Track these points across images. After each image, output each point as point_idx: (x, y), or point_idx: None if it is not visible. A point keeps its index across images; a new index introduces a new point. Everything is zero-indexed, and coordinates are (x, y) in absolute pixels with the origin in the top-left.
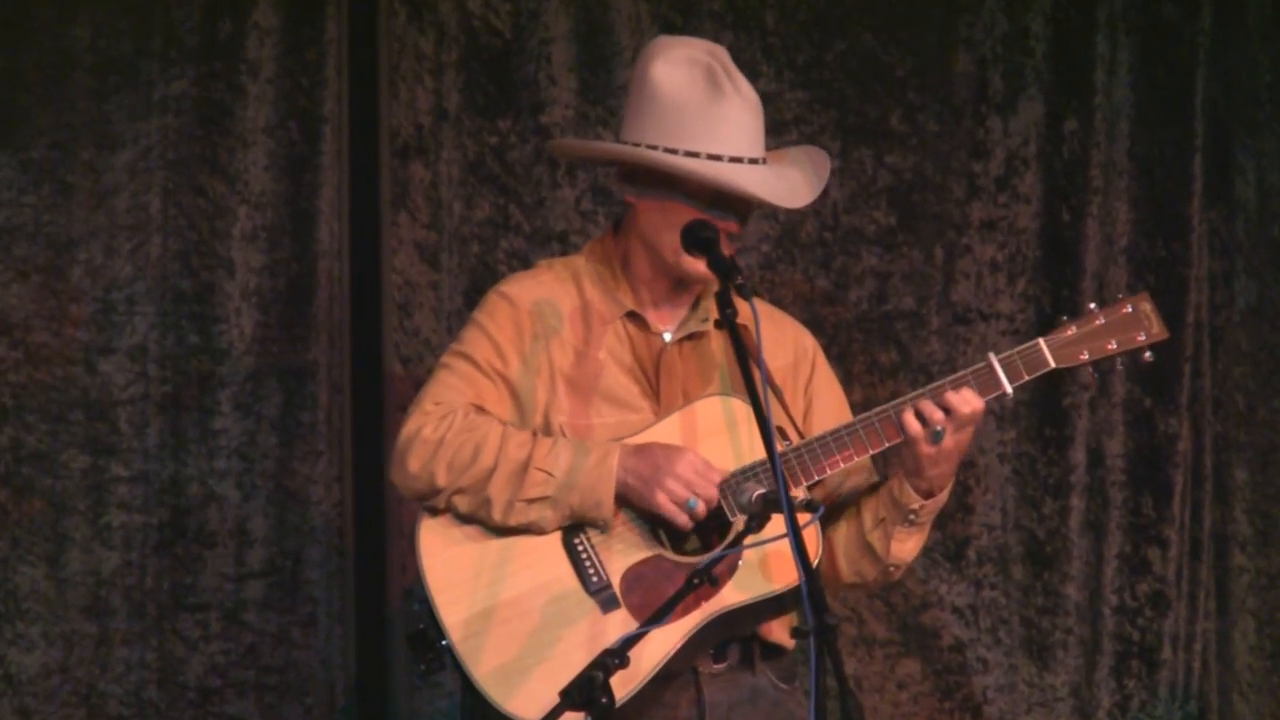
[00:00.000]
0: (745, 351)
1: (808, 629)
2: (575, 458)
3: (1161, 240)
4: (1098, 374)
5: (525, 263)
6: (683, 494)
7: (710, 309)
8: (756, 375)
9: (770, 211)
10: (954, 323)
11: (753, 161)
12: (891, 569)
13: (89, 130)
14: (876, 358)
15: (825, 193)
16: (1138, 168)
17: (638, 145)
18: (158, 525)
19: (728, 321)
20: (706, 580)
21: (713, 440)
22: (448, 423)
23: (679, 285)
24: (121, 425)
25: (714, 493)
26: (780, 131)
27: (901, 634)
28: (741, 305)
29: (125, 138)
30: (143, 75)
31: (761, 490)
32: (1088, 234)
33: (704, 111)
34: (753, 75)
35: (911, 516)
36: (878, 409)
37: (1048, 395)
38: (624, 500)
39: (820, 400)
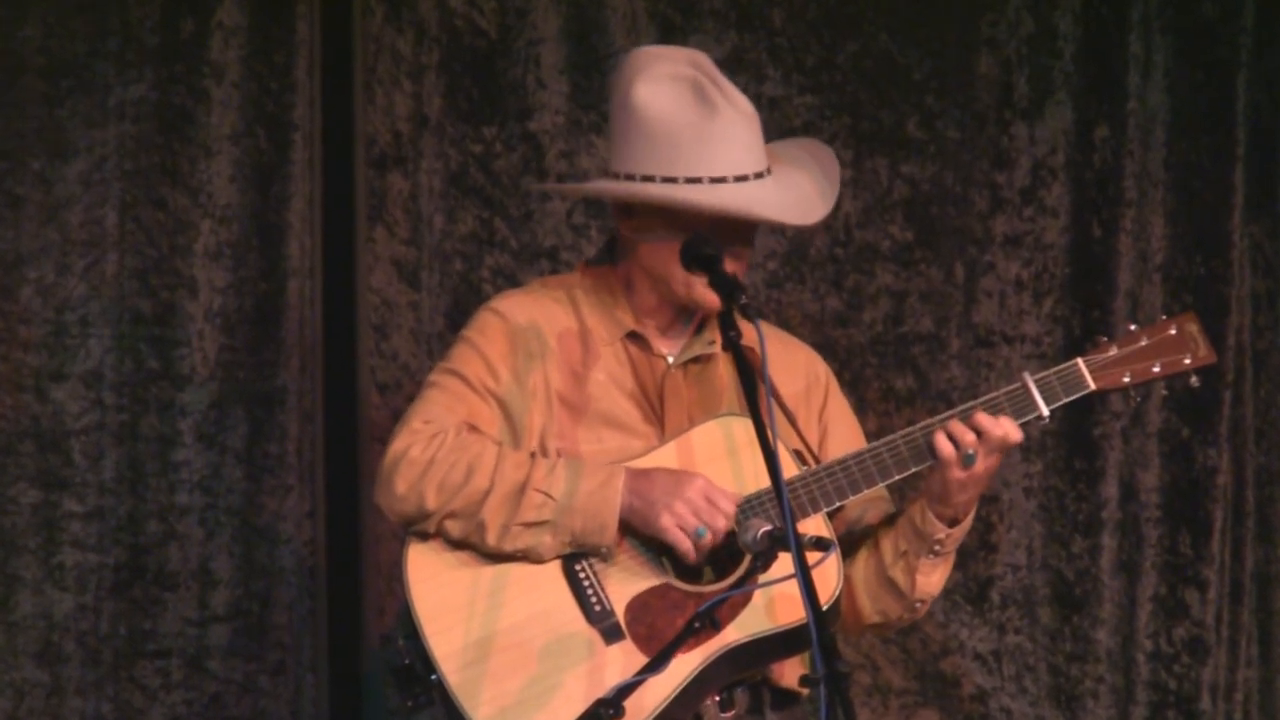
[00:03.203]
0: (752, 375)
1: (818, 676)
2: (577, 479)
3: (1200, 257)
4: (1138, 398)
5: (512, 280)
6: (691, 521)
7: (716, 331)
8: (762, 397)
9: (776, 226)
10: (976, 346)
11: (758, 176)
12: (918, 604)
13: (39, 138)
14: (892, 384)
15: (837, 205)
16: (1174, 178)
17: (632, 178)
18: (114, 565)
19: (731, 344)
20: (708, 624)
21: (715, 466)
22: (438, 442)
23: (684, 311)
24: (75, 457)
25: (723, 523)
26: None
27: (919, 682)
28: (746, 328)
29: (79, 146)
30: (98, 79)
31: (768, 527)
32: (1120, 250)
33: (699, 133)
34: (758, 78)
35: (937, 547)
36: (903, 431)
37: (1077, 425)
38: (628, 526)
39: (835, 429)
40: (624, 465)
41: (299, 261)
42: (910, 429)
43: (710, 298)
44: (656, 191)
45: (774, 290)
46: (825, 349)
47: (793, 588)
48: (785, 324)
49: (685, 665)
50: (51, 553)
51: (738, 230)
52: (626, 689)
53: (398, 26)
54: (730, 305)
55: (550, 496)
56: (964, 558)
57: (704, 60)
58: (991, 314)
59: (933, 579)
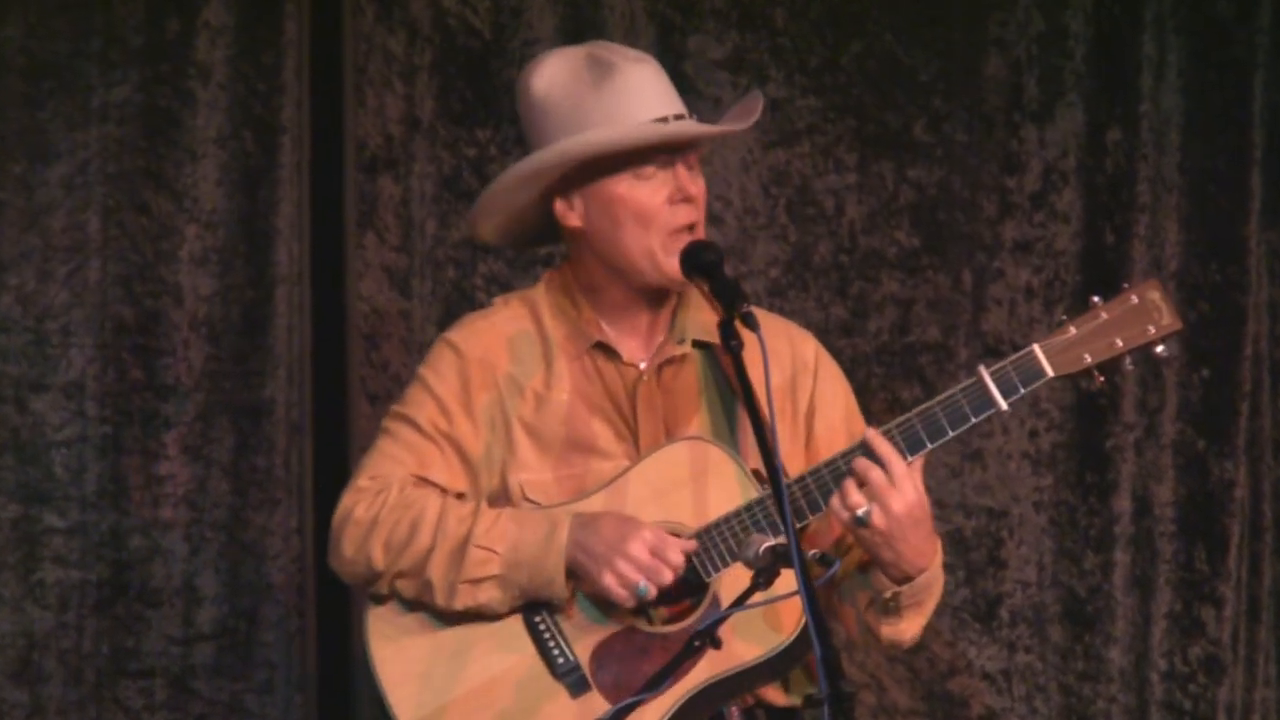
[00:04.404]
0: (751, 392)
1: (821, 697)
2: (520, 532)
3: (1215, 263)
4: (1103, 379)
5: (506, 288)
6: (633, 578)
7: (687, 329)
8: (764, 411)
9: (779, 233)
10: (984, 355)
11: (678, 118)
12: (892, 649)
13: (20, 141)
14: (898, 394)
15: (842, 211)
16: (1189, 183)
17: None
18: (96, 582)
19: (732, 352)
20: (709, 642)
21: (689, 489)
22: (381, 500)
23: (654, 303)
24: (56, 470)
25: (668, 576)
26: (791, 142)
27: (926, 703)
28: (746, 334)
29: (61, 149)
30: (80, 79)
31: (770, 542)
32: (1133, 256)
33: (603, 92)
34: (760, 79)
35: (891, 605)
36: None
37: (1088, 437)
38: (575, 576)
39: (823, 412)
40: (570, 513)
41: (287, 268)
42: (839, 453)
43: (671, 263)
44: (574, 144)
45: (776, 298)
46: None
47: (780, 607)
48: None
49: (679, 689)
50: (32, 569)
51: (669, 156)
52: (624, 709)
53: (389, 26)
54: (732, 314)
55: (494, 552)
56: (973, 574)
57: (599, 41)
58: (1001, 322)
59: (901, 628)
